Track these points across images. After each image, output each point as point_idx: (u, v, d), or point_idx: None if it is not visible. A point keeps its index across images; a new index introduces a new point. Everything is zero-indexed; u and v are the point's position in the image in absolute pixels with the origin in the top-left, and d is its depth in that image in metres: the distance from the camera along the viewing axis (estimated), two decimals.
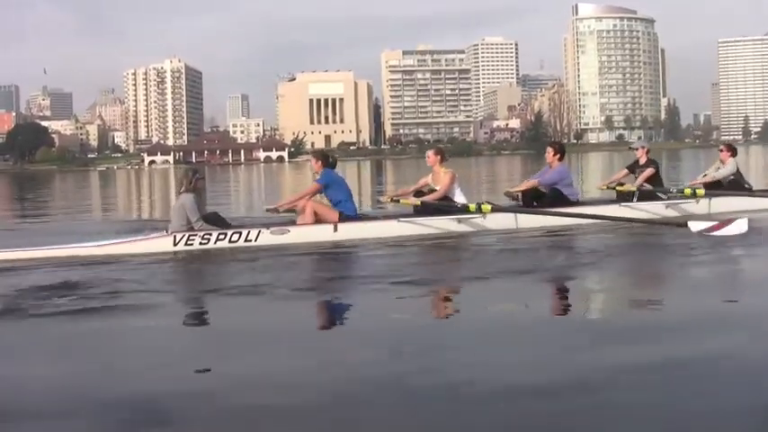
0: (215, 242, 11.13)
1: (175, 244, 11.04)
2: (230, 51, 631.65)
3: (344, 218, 11.90)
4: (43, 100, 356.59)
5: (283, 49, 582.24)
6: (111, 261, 10.15)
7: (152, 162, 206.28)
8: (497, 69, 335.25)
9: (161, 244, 11.10)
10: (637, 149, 14.76)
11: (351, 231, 11.78)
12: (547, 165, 13.67)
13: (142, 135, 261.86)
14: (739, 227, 10.46)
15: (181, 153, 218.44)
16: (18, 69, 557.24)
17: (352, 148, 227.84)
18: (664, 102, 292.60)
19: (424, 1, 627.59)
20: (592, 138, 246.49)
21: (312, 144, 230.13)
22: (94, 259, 10.28)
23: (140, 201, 34.72)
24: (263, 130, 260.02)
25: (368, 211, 15.05)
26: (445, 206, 12.38)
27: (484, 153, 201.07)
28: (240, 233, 11.29)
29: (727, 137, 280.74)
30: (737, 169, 14.95)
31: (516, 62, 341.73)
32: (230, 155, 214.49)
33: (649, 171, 14.21)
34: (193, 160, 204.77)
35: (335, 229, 11.70)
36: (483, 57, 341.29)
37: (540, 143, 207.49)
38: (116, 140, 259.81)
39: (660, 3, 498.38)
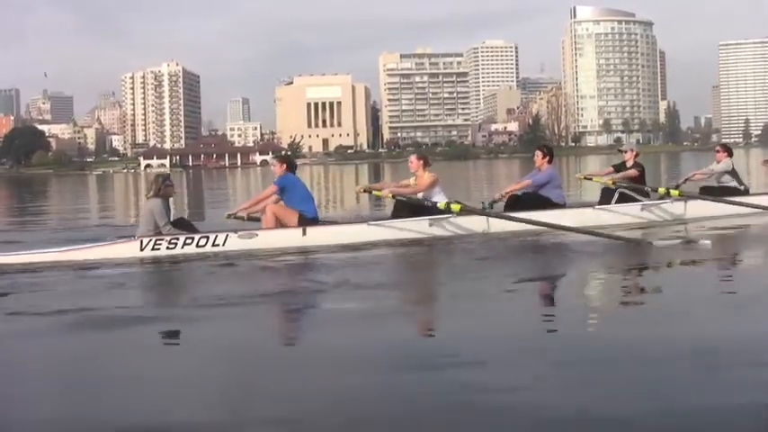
0: (182, 247, 11.06)
1: (142, 249, 10.97)
2: (233, 54, 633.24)
3: (306, 220, 11.77)
4: (43, 104, 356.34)
5: (285, 53, 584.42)
6: (75, 267, 10.10)
7: (147, 166, 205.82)
8: (497, 72, 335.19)
9: (127, 249, 11.04)
10: (625, 152, 14.99)
11: (319, 235, 11.65)
12: (536, 168, 13.67)
13: (140, 139, 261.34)
14: (704, 247, 10.35)
15: (177, 157, 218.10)
16: (19, 73, 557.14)
17: (349, 151, 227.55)
18: (663, 105, 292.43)
19: (426, 4, 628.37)
20: (590, 141, 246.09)
21: (310, 148, 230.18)
22: (57, 265, 10.22)
23: (112, 205, 34.69)
24: (261, 134, 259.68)
25: (346, 214, 15.33)
26: (415, 201, 12.32)
27: (481, 156, 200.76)
28: (208, 238, 11.22)
29: (727, 140, 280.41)
30: (733, 169, 15.05)
31: (516, 65, 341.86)
32: (227, 159, 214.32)
33: (632, 172, 14.36)
34: (190, 164, 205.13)
35: (304, 233, 11.57)
36: (483, 60, 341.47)
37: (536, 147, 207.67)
38: (114, 144, 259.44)
39: (661, 5, 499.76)
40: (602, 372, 5.01)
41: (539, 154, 13.69)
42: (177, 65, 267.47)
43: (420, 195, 12.43)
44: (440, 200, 12.34)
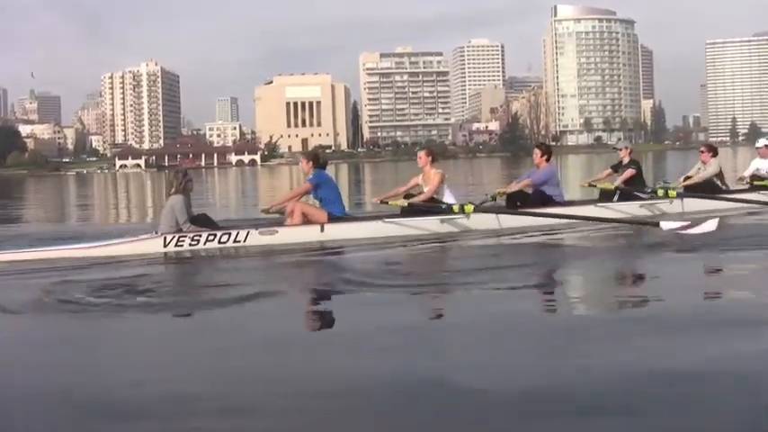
0: (204, 243, 11.36)
1: (165, 245, 11.26)
2: (225, 55, 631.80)
3: (333, 218, 12.11)
4: (30, 103, 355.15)
5: (276, 53, 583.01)
6: (102, 263, 10.34)
7: (123, 166, 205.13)
8: (483, 71, 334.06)
9: (151, 245, 11.30)
10: (620, 150, 15.31)
11: (337, 232, 12.01)
12: (534, 166, 14.03)
13: (120, 139, 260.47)
14: (709, 227, 10.87)
15: (153, 157, 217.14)
16: (6, 73, 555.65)
17: (327, 151, 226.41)
18: (649, 103, 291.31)
19: (423, 2, 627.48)
20: (571, 140, 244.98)
21: (289, 148, 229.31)
22: (85, 261, 10.46)
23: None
24: (241, 134, 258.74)
25: (354, 212, 15.21)
26: (430, 207, 12.63)
27: (459, 156, 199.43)
28: (229, 234, 11.51)
29: (714, 138, 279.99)
30: (720, 170, 15.42)
31: (502, 64, 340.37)
32: (203, 159, 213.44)
33: (630, 171, 14.65)
34: (166, 164, 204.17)
35: (322, 230, 11.91)
36: (469, 59, 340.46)
37: (516, 145, 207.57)
38: (94, 144, 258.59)
39: (650, 3, 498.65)
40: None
41: (537, 152, 13.98)
42: (156, 65, 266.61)
43: (432, 197, 12.71)
44: (448, 197, 12.73)
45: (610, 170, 15.30)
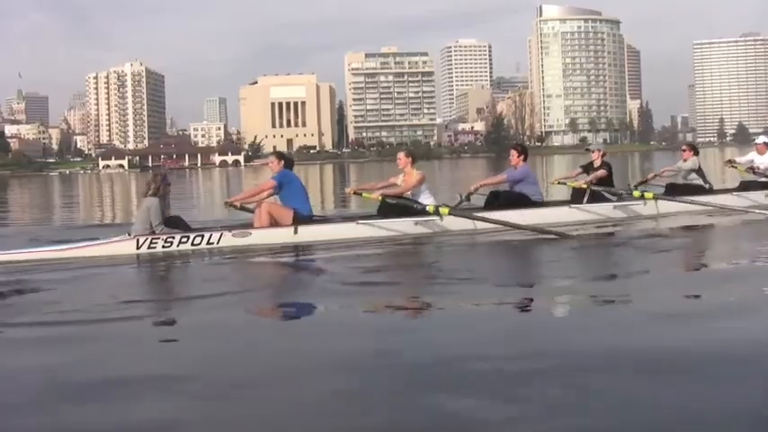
0: (177, 245, 11.40)
1: (138, 247, 11.30)
2: (213, 54, 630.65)
3: (300, 218, 12.18)
4: (18, 104, 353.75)
5: (266, 53, 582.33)
6: (75, 264, 10.35)
7: (106, 166, 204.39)
8: (471, 72, 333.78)
9: (124, 247, 11.32)
10: (593, 152, 15.55)
11: (310, 234, 12.08)
12: (511, 166, 14.17)
13: (104, 139, 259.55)
14: None
15: (137, 157, 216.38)
16: None
17: (312, 151, 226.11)
18: (636, 104, 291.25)
19: (413, 2, 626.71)
20: (557, 140, 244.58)
21: (274, 147, 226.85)
22: (58, 263, 10.52)
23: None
24: (225, 134, 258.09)
25: (331, 212, 15.64)
26: (404, 203, 12.71)
27: (444, 156, 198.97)
28: (202, 236, 11.57)
29: (702, 139, 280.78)
30: (699, 167, 15.71)
31: (490, 64, 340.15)
32: (187, 159, 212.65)
33: (601, 172, 14.77)
34: (149, 164, 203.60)
35: (296, 232, 11.97)
36: (456, 59, 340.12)
37: (500, 146, 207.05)
38: (79, 145, 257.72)
39: (640, 4, 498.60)
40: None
41: (514, 153, 14.12)
42: (141, 64, 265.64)
43: (409, 194, 12.84)
44: (426, 198, 12.82)
45: (579, 169, 15.45)
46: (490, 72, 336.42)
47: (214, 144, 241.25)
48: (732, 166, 17.24)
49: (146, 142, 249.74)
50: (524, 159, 14.04)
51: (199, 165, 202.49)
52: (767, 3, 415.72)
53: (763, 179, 16.07)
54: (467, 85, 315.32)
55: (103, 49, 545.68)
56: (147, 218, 11.44)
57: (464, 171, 65.75)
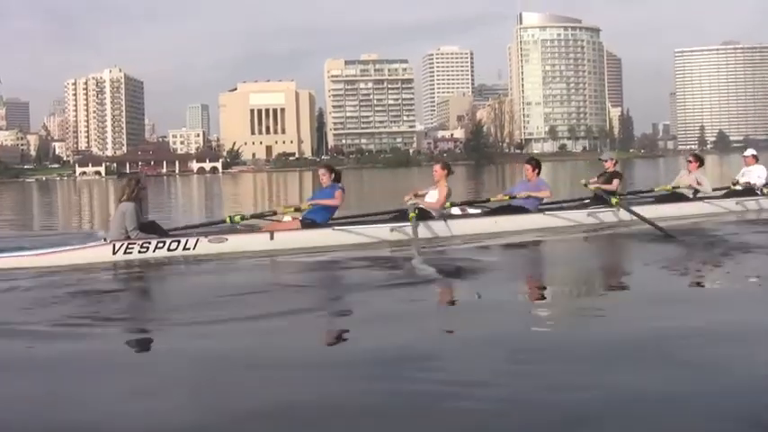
0: (154, 251, 11.33)
1: (114, 253, 11.19)
2: (195, 60, 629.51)
3: (307, 224, 12.56)
4: None
5: (247, 59, 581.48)
6: (49, 272, 10.19)
7: (83, 173, 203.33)
8: (452, 79, 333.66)
9: (100, 253, 11.21)
10: (605, 161, 16.44)
11: (286, 240, 12.13)
12: (525, 179, 14.75)
13: (83, 145, 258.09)
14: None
15: (114, 164, 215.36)
16: None
17: (291, 158, 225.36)
18: (617, 111, 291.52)
19: (396, 9, 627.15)
20: (536, 148, 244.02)
21: (253, 155, 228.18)
22: (30, 270, 10.34)
23: None
24: (204, 141, 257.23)
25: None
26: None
27: (423, 164, 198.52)
28: (179, 242, 11.54)
29: (683, 146, 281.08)
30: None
31: (472, 72, 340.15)
32: (165, 166, 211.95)
33: (615, 182, 15.61)
34: (127, 171, 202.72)
35: (272, 238, 12.03)
36: (438, 66, 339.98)
37: (479, 153, 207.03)
38: (57, 151, 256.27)
39: (622, 12, 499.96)
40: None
41: (528, 168, 14.79)
42: (120, 71, 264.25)
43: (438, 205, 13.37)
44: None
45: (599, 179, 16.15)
46: (472, 79, 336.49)
47: (193, 151, 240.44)
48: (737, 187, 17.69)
49: (124, 149, 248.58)
50: (539, 174, 14.72)
51: (177, 171, 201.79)
52: (748, 12, 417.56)
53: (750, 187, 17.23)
54: (448, 92, 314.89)
55: (87, 55, 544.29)
56: (122, 223, 11.36)
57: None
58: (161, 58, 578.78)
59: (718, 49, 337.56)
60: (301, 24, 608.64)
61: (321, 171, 13.35)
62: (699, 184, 16.39)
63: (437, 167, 13.71)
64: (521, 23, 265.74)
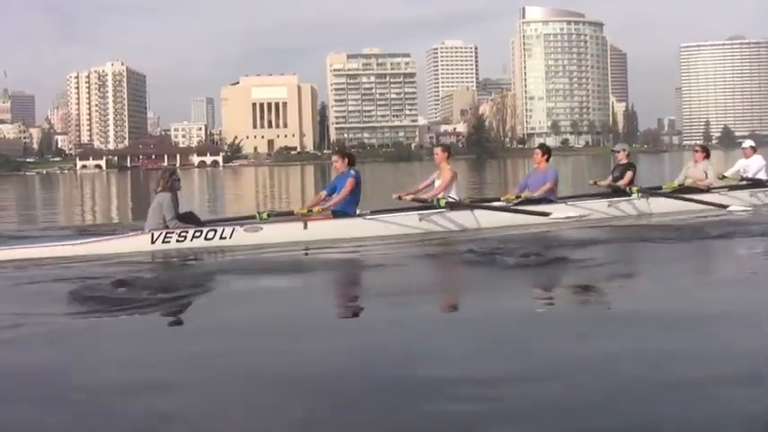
0: (191, 240, 11.61)
1: (153, 242, 11.49)
2: (201, 54, 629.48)
3: (338, 214, 12.61)
4: (3, 103, 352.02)
5: (253, 53, 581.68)
6: (90, 260, 10.55)
7: (84, 167, 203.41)
8: (457, 73, 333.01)
9: (139, 242, 11.54)
10: (618, 152, 16.17)
11: (320, 230, 12.32)
12: (535, 166, 14.73)
13: (85, 139, 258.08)
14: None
15: (115, 157, 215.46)
16: None
17: (293, 152, 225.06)
18: (622, 106, 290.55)
19: (401, 4, 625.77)
20: (539, 142, 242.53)
21: (255, 148, 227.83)
22: (75, 258, 10.67)
23: None
24: (206, 135, 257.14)
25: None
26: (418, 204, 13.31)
27: (425, 158, 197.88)
28: (215, 231, 11.85)
29: (688, 141, 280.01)
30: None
31: (476, 66, 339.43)
32: (166, 159, 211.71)
33: (630, 174, 15.22)
34: (128, 165, 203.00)
35: (305, 227, 12.21)
36: (442, 60, 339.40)
37: (481, 148, 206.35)
38: (60, 144, 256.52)
39: (627, 7, 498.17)
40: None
41: (538, 152, 14.79)
42: (122, 64, 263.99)
43: (441, 194, 13.16)
44: (454, 194, 13.32)
45: (611, 177, 15.77)
46: (476, 73, 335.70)
47: (195, 144, 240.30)
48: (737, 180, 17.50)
49: (126, 142, 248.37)
50: (548, 159, 14.58)
51: (177, 165, 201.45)
52: (755, 7, 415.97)
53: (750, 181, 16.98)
54: (452, 86, 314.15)
55: (91, 49, 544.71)
56: (159, 213, 11.62)
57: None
58: (166, 52, 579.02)
59: (723, 44, 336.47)
60: (305, 20, 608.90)
61: (334, 158, 13.26)
62: (706, 176, 16.14)
63: (438, 150, 13.85)
64: (523, 18, 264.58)
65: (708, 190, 15.83)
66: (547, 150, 14.75)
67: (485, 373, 5.02)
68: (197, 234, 11.65)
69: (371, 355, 5.71)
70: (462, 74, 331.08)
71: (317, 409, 4.52)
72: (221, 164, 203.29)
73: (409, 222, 12.83)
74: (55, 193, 53.42)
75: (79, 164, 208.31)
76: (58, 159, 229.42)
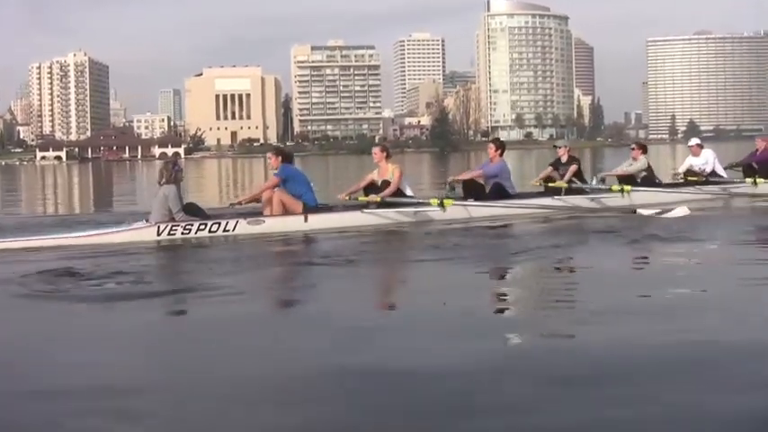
0: (196, 232, 11.94)
1: (159, 234, 11.78)
2: (173, 45, 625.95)
3: (308, 208, 12.91)
4: None
5: (227, 45, 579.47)
6: (98, 251, 10.67)
7: (43, 158, 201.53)
8: (424, 66, 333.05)
9: (145, 234, 11.81)
10: (560, 148, 16.44)
11: (320, 222, 12.87)
12: (487, 159, 15.06)
13: (47, 130, 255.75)
14: (682, 212, 13.15)
15: (76, 149, 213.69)
16: None
17: (255, 144, 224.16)
18: (588, 100, 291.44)
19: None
20: (503, 135, 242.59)
21: (218, 140, 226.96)
22: (81, 249, 10.81)
23: None
24: (169, 126, 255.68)
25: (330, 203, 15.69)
26: (407, 201, 13.61)
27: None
28: (219, 223, 12.14)
29: (654, 136, 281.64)
30: (648, 165, 16.78)
31: (443, 58, 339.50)
32: (128, 151, 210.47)
33: (574, 167, 15.56)
34: (89, 156, 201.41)
35: (306, 220, 12.74)
36: (409, 53, 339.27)
37: (445, 141, 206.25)
38: (22, 135, 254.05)
39: (594, 1, 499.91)
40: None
41: (492, 147, 15.08)
42: (85, 55, 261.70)
43: (398, 190, 13.52)
44: (408, 190, 13.74)
45: (550, 168, 16.05)
46: (443, 66, 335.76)
47: (158, 136, 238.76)
48: (682, 178, 17.82)
49: (88, 133, 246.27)
50: (501, 154, 14.83)
51: (139, 157, 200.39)
52: (721, 2, 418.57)
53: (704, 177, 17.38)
54: (419, 79, 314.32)
55: (60, 39, 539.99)
56: (164, 205, 11.76)
57: (408, 166, 65.23)
58: (135, 43, 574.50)
59: (690, 39, 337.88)
60: (276, 13, 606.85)
61: (269, 154, 13.68)
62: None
63: (376, 150, 14.02)
64: (488, 11, 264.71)
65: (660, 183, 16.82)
66: (501, 145, 15.13)
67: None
68: (201, 227, 11.98)
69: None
70: (429, 67, 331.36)
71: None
72: (183, 155, 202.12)
73: (405, 215, 13.49)
74: (16, 183, 53.65)
75: (39, 155, 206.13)
76: (19, 151, 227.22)
